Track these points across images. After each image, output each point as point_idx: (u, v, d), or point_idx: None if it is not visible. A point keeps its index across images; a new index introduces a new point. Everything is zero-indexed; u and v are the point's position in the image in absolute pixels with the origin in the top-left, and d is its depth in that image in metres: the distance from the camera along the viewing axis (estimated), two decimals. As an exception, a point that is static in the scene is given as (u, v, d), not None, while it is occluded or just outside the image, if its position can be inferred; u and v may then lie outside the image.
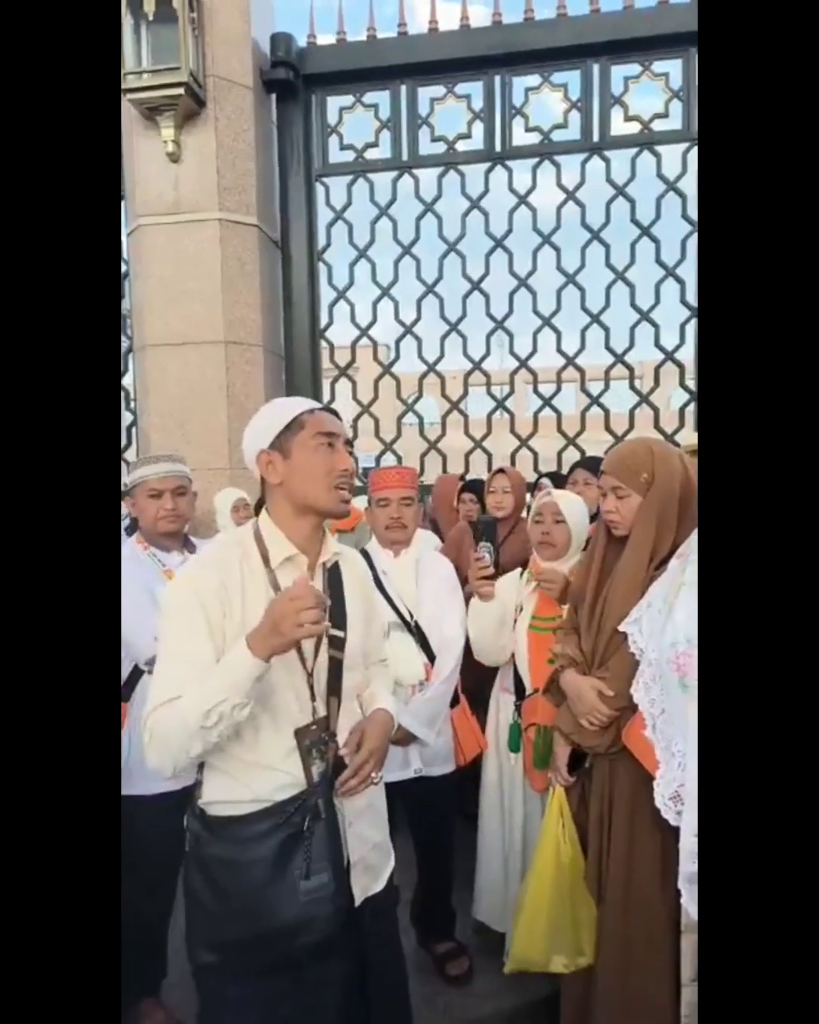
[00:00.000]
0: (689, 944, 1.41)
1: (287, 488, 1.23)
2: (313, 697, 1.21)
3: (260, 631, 1.08)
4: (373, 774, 1.23)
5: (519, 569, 2.12)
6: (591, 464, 2.60)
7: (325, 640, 1.24)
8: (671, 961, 1.46)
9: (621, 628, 1.45)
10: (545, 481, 3.21)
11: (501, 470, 2.80)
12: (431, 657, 1.97)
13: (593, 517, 2.24)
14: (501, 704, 2.10)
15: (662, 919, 1.46)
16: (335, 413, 1.29)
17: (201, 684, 1.08)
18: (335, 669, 1.24)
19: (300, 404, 1.27)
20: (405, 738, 1.90)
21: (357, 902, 1.26)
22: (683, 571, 1.31)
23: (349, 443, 1.29)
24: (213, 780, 1.21)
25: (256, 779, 1.17)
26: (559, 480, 3.05)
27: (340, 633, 1.26)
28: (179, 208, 3.25)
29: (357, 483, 3.34)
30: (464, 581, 2.27)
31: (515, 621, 2.00)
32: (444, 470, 3.64)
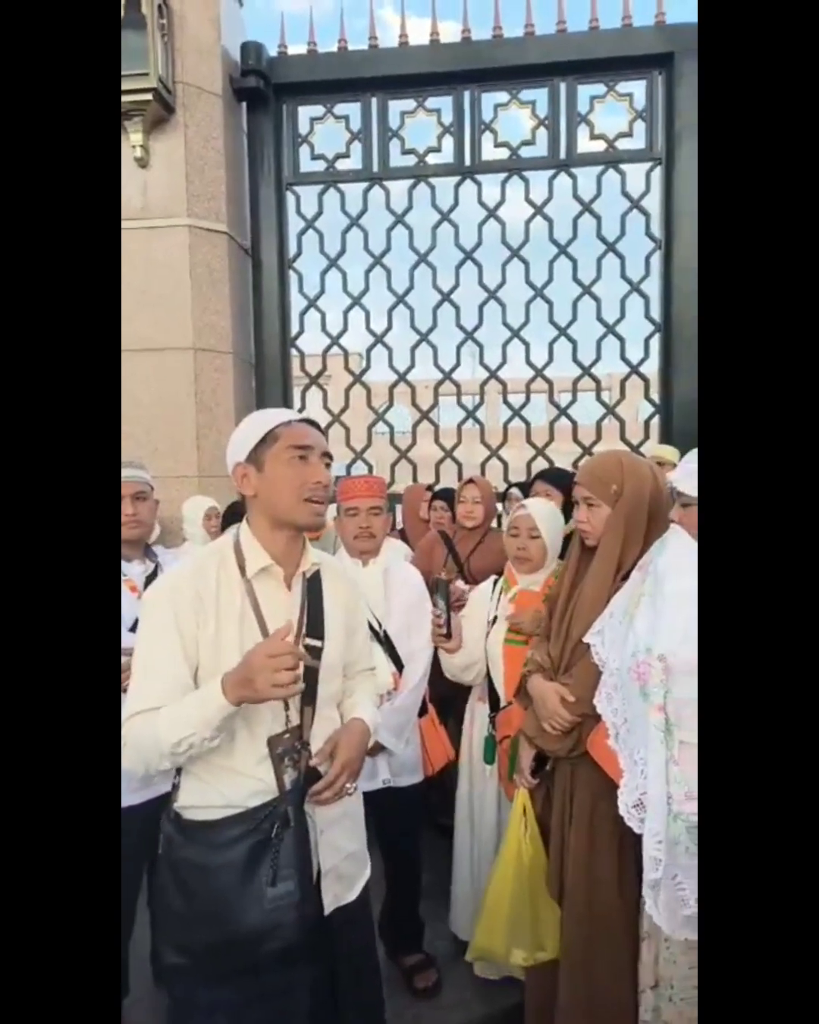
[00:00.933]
0: (647, 950, 1.43)
1: (261, 501, 1.24)
2: (287, 706, 1.21)
3: (235, 677, 1.08)
4: (347, 786, 1.23)
5: (492, 579, 2.13)
6: (552, 476, 2.62)
7: (301, 649, 1.23)
8: (631, 961, 1.48)
9: (585, 639, 1.47)
10: (514, 492, 3.24)
11: (471, 480, 2.82)
12: (399, 666, 1.97)
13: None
14: (476, 714, 2.11)
15: (620, 919, 1.48)
16: (316, 425, 1.29)
17: (174, 700, 1.11)
18: (310, 678, 1.23)
19: (277, 416, 1.26)
20: (374, 748, 1.89)
21: (327, 910, 1.26)
22: (643, 582, 1.33)
23: (327, 456, 1.27)
24: (188, 784, 1.21)
25: (229, 785, 1.18)
26: (526, 490, 3.08)
27: (317, 643, 1.26)
28: (148, 213, 3.23)
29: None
30: (432, 588, 2.28)
31: (488, 633, 2.01)
32: (414, 479, 3.65)
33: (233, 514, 2.80)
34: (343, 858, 1.31)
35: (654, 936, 1.41)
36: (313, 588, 1.31)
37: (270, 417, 1.27)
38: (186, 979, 1.19)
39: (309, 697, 1.24)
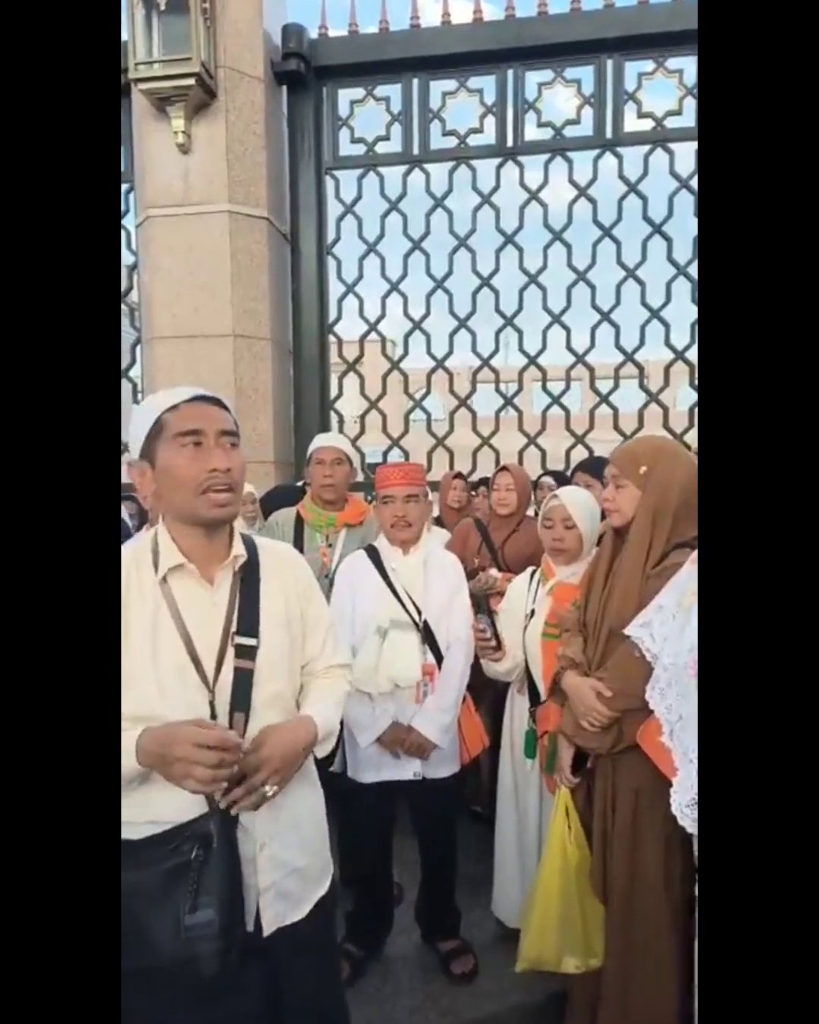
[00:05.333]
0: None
1: (162, 499, 1.12)
2: (214, 714, 1.08)
3: (152, 745, 0.98)
4: (266, 787, 1.06)
5: (530, 571, 2.10)
6: (592, 465, 2.57)
7: (230, 651, 1.12)
8: (674, 961, 1.46)
9: (627, 631, 1.44)
10: (547, 480, 3.20)
11: (505, 467, 2.79)
12: (438, 656, 1.96)
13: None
14: (516, 707, 2.09)
15: (665, 919, 1.46)
16: (215, 400, 1.15)
17: None
18: (243, 681, 1.12)
19: (163, 401, 1.11)
20: (419, 746, 1.89)
21: (267, 932, 1.13)
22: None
23: (228, 435, 1.12)
24: None
25: (157, 799, 1.04)
26: (562, 480, 3.04)
27: (250, 641, 1.13)
28: (188, 200, 3.24)
29: (362, 478, 3.34)
30: (469, 576, 2.27)
31: (525, 627, 1.99)
32: (451, 467, 3.62)
33: (271, 499, 2.81)
34: (287, 874, 1.17)
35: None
36: (248, 581, 1.18)
37: (154, 405, 1.12)
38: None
39: (242, 702, 1.11)
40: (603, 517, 2.01)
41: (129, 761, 0.99)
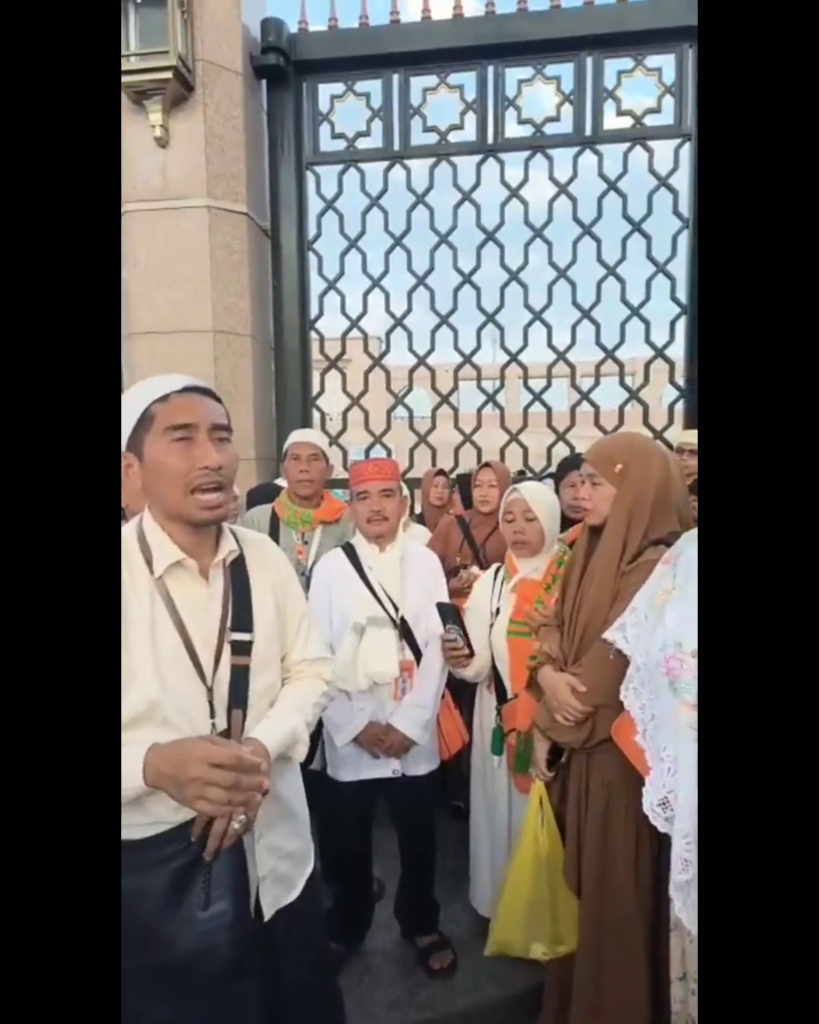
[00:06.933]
0: (676, 943, 1.42)
1: (148, 495, 1.09)
2: (213, 712, 1.08)
3: (162, 763, 0.94)
4: (235, 823, 0.99)
5: (493, 568, 2.11)
6: (580, 464, 2.58)
7: (228, 648, 1.12)
8: (645, 954, 1.47)
9: (605, 636, 1.45)
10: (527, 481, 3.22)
11: (487, 464, 2.80)
12: (417, 652, 1.96)
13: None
14: (485, 704, 2.10)
15: (635, 913, 1.47)
16: (206, 391, 1.12)
17: None
18: (240, 677, 1.12)
19: (152, 391, 1.07)
20: (400, 744, 1.89)
21: (268, 915, 1.18)
22: (673, 576, 1.30)
23: (221, 429, 1.09)
24: None
25: (155, 799, 1.01)
26: (556, 480, 3.04)
27: (245, 636, 1.13)
28: (167, 194, 3.21)
29: (341, 475, 3.33)
30: (449, 574, 2.27)
31: (491, 625, 2.00)
32: (434, 464, 3.63)
33: (254, 498, 2.80)
34: (280, 858, 1.21)
35: (681, 929, 1.40)
36: (238, 576, 1.17)
37: (145, 392, 1.08)
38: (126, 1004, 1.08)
39: (239, 698, 1.11)
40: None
41: (135, 782, 0.95)
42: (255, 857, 1.14)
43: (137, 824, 1.02)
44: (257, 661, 1.14)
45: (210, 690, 1.09)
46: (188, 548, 1.10)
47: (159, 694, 1.03)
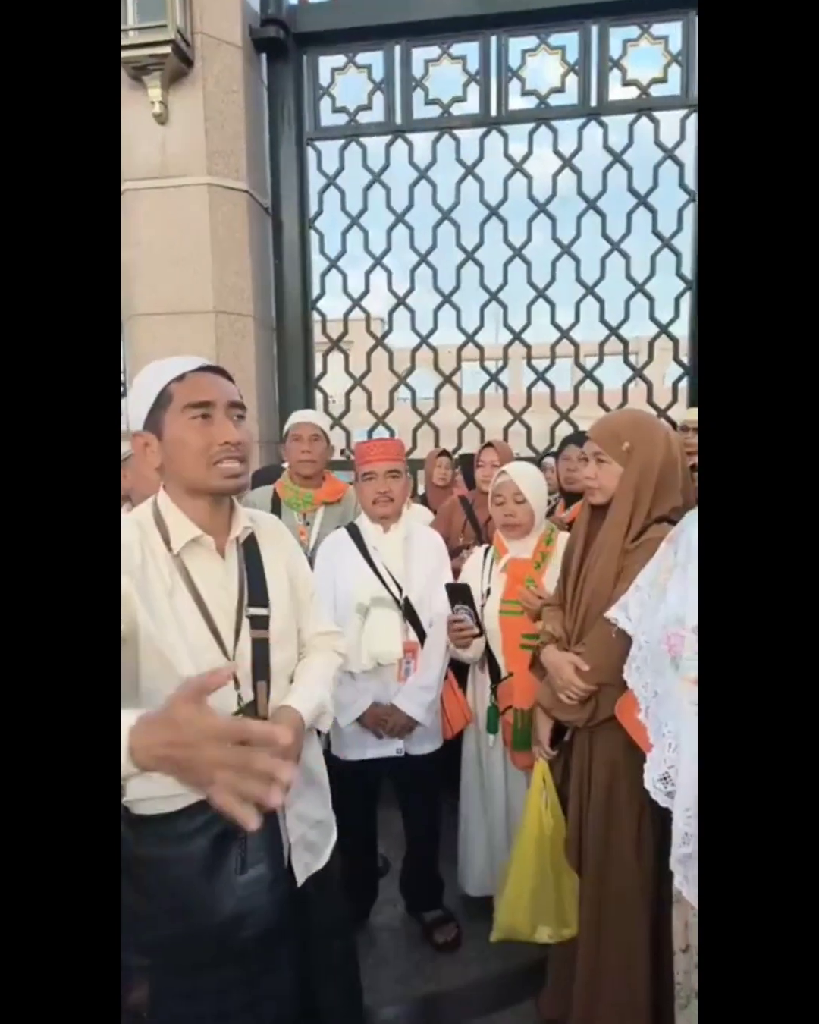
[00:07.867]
0: (678, 916, 1.43)
1: (168, 472, 1.11)
2: (237, 685, 1.11)
3: (157, 747, 0.72)
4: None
5: (482, 549, 2.11)
6: (582, 439, 2.57)
7: (247, 622, 1.15)
8: (646, 931, 1.49)
9: (607, 615, 1.45)
10: (548, 461, 3.21)
11: (490, 444, 2.78)
12: (420, 633, 1.97)
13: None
14: (478, 683, 2.10)
15: (637, 890, 1.49)
16: (221, 371, 1.14)
17: None
18: (261, 650, 1.15)
19: (169, 370, 1.10)
20: (403, 725, 1.90)
21: (300, 882, 1.22)
22: (674, 554, 1.30)
23: (236, 407, 1.12)
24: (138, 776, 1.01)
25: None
26: (555, 457, 3.03)
27: (263, 611, 1.17)
28: (166, 172, 3.17)
29: (341, 457, 3.32)
30: (452, 554, 2.27)
31: (482, 605, 1.99)
32: (437, 445, 3.61)
33: (258, 480, 2.79)
34: (310, 826, 1.26)
35: (684, 902, 1.41)
36: (251, 552, 1.20)
37: (161, 372, 1.10)
38: (156, 975, 1.10)
39: (262, 670, 1.14)
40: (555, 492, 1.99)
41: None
42: (286, 823, 1.19)
43: (168, 796, 1.01)
44: (275, 635, 1.18)
45: (233, 661, 1.12)
46: (204, 525, 1.12)
47: (191, 669, 1.04)
